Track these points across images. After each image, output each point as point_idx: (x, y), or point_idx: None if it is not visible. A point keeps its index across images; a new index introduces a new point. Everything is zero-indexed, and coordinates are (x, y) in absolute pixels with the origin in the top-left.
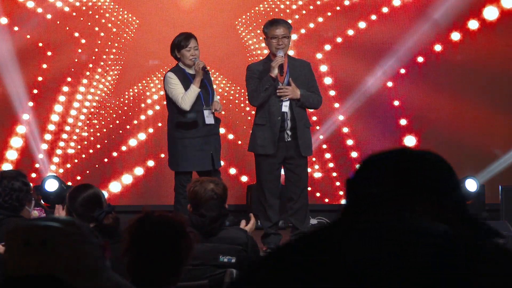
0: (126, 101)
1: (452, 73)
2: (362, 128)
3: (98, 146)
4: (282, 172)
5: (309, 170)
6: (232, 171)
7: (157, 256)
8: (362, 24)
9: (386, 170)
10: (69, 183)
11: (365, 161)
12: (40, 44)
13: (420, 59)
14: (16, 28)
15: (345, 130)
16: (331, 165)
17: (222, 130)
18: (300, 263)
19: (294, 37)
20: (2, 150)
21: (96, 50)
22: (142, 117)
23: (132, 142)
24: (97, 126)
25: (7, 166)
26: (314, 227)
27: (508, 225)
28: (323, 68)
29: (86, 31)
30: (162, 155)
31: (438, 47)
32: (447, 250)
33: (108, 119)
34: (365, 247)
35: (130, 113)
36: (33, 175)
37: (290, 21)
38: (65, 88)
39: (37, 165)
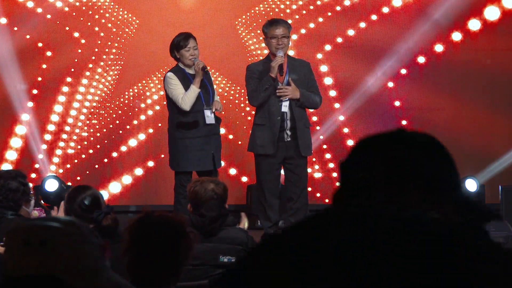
0: (126, 101)
1: (453, 74)
2: (363, 128)
3: (98, 146)
4: (282, 172)
5: (309, 170)
6: (232, 171)
7: (157, 256)
8: (362, 24)
9: (376, 154)
10: (69, 183)
11: (358, 144)
12: (40, 44)
13: (421, 60)
14: (15, 28)
15: (346, 130)
16: (331, 165)
17: (222, 130)
18: (292, 250)
19: (294, 37)
20: (2, 151)
21: (96, 50)
22: (142, 117)
23: (132, 142)
24: (97, 126)
25: (7, 167)
26: (307, 215)
27: (508, 225)
28: (324, 68)
29: (86, 31)
30: (162, 156)
31: (439, 48)
32: (434, 238)
33: (108, 119)
34: (353, 234)
35: (130, 113)
36: (33, 175)
37: (290, 21)
38: (65, 88)
39: (37, 165)
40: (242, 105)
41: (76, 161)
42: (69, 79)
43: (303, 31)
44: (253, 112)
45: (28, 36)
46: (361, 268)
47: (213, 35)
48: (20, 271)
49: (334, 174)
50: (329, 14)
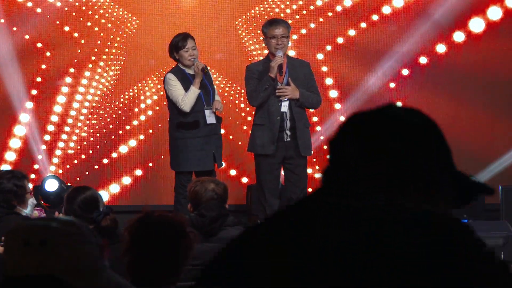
0: (126, 102)
1: (454, 74)
2: None
3: (98, 146)
4: (282, 172)
5: (309, 170)
6: (232, 171)
7: (157, 256)
8: (363, 25)
9: (364, 130)
10: (69, 184)
11: (346, 121)
12: (39, 45)
13: (423, 61)
14: (15, 28)
15: None
16: None
17: (222, 131)
18: (271, 241)
19: (294, 37)
20: (2, 151)
21: (96, 50)
22: (142, 118)
23: (132, 143)
24: (97, 127)
25: (6, 168)
26: (288, 203)
27: (508, 225)
28: (324, 68)
29: (85, 31)
30: (162, 156)
31: (440, 48)
32: (424, 238)
33: (108, 119)
34: (342, 232)
35: (130, 114)
36: (33, 175)
37: (290, 22)
38: (65, 89)
39: (36, 166)
40: (242, 105)
41: (75, 161)
42: (68, 80)
43: (303, 31)
44: (253, 112)
45: (27, 36)
46: (348, 266)
47: (213, 35)
48: (20, 271)
49: None
50: (330, 14)
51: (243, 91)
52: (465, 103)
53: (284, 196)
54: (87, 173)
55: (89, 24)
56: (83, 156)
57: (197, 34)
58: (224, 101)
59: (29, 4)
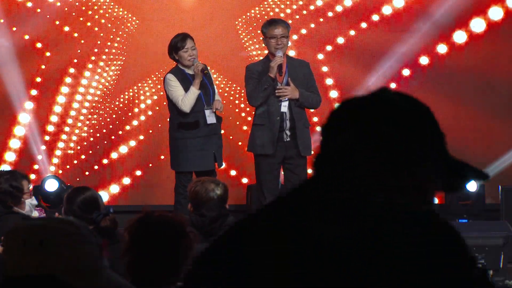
0: (126, 102)
1: (455, 74)
2: None
3: (98, 147)
4: (282, 172)
5: (309, 170)
6: (232, 171)
7: (157, 256)
8: (363, 25)
9: (355, 116)
10: (69, 184)
11: (338, 107)
12: (39, 45)
13: (424, 61)
14: (14, 29)
15: None
16: None
17: (221, 131)
18: (270, 229)
19: (294, 37)
20: (1, 152)
21: (96, 50)
22: (142, 118)
23: (132, 143)
24: (97, 127)
25: (6, 168)
26: (278, 195)
27: (508, 225)
28: (324, 68)
29: (85, 31)
30: (162, 156)
31: (441, 49)
32: (406, 228)
33: (108, 119)
34: (337, 228)
35: (129, 114)
36: (33, 176)
37: (290, 22)
38: (64, 89)
39: (36, 166)
40: (242, 105)
41: (75, 162)
42: (68, 80)
43: (303, 31)
44: (253, 112)
45: (27, 37)
46: (343, 263)
47: (213, 35)
48: (19, 271)
49: None
50: (330, 14)
51: (243, 91)
52: (466, 103)
53: None
54: (87, 173)
55: (89, 24)
56: (83, 157)
57: (197, 34)
58: (224, 101)
59: (29, 4)
